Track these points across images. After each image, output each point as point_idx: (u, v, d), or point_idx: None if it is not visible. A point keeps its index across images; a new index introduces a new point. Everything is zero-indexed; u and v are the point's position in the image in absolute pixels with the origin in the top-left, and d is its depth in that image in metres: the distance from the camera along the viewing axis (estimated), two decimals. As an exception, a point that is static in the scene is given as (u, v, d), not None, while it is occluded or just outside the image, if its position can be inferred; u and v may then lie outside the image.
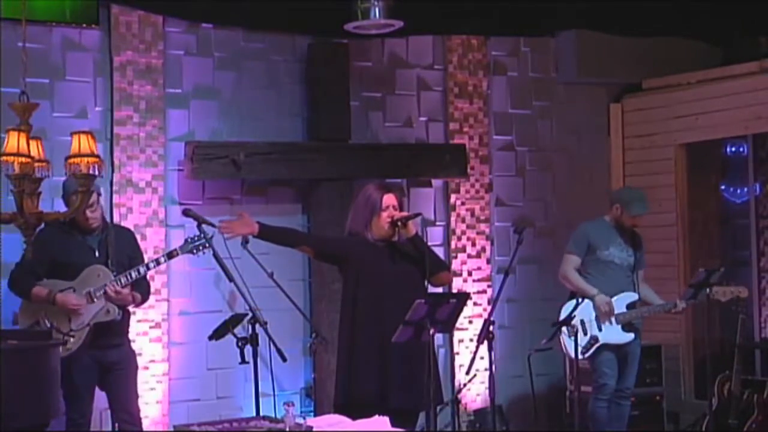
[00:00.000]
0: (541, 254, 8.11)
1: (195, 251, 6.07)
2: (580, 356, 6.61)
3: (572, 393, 7.14)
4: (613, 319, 6.82)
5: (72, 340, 5.75)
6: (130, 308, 6.20)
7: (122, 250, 6.01)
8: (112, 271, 5.88)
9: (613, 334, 6.80)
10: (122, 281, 5.86)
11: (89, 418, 6.02)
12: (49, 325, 5.66)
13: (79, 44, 6.80)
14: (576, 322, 6.68)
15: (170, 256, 6.11)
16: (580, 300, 6.68)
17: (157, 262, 6.06)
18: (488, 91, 8.14)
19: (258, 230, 5.56)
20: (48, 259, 5.76)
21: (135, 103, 6.89)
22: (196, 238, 6.06)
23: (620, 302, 6.86)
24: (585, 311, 6.79)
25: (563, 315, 6.68)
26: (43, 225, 4.75)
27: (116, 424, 6.09)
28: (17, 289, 5.94)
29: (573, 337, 6.49)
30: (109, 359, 5.96)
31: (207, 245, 6.02)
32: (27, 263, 5.69)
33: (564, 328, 6.65)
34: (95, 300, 5.83)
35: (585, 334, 6.78)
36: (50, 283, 5.85)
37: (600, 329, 6.80)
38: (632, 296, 6.93)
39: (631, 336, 6.86)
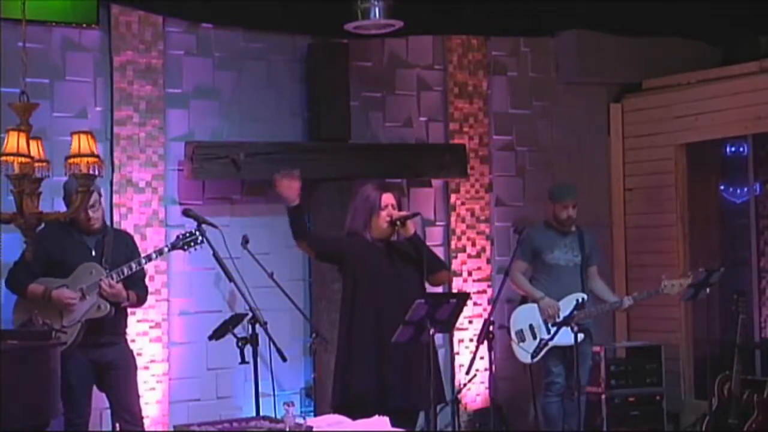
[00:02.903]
0: (541, 254, 8.11)
1: (186, 247, 6.07)
2: (531, 361, 6.74)
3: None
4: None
5: (64, 336, 5.74)
6: (130, 308, 6.20)
7: (121, 253, 6.00)
8: (105, 269, 5.87)
9: (562, 335, 6.63)
10: (114, 277, 5.86)
11: (87, 418, 6.01)
12: (41, 322, 5.66)
13: (79, 44, 6.80)
14: (525, 327, 6.82)
15: (161, 252, 6.12)
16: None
17: (149, 258, 6.05)
18: (488, 91, 8.14)
19: (295, 206, 5.55)
20: (44, 257, 5.76)
21: (135, 103, 6.89)
22: (187, 235, 6.07)
23: (568, 303, 6.82)
24: (533, 315, 6.96)
25: (513, 321, 7.00)
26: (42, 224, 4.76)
27: (117, 425, 6.09)
28: (14, 287, 5.95)
29: (522, 343, 6.75)
30: (105, 358, 5.95)
31: (199, 242, 6.03)
32: (24, 261, 5.70)
33: (513, 335, 6.93)
34: (87, 297, 5.83)
35: (534, 338, 6.89)
36: (45, 281, 5.85)
37: (549, 332, 6.81)
38: (580, 296, 6.93)
39: (580, 336, 6.86)
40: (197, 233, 6.04)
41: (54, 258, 5.85)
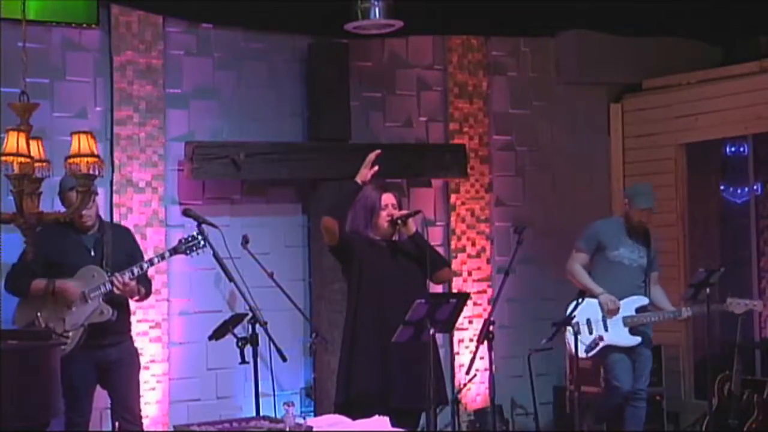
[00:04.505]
0: (541, 254, 8.10)
1: (188, 252, 6.05)
2: (583, 354, 6.59)
3: (572, 393, 7.13)
4: (620, 321, 6.73)
5: (66, 340, 5.73)
6: (131, 306, 6.19)
7: (120, 249, 5.98)
8: (106, 271, 5.86)
9: (620, 336, 6.68)
10: (120, 278, 5.84)
11: (88, 418, 6.00)
12: (43, 325, 5.64)
13: (79, 44, 6.80)
14: (581, 320, 6.63)
15: (162, 257, 6.10)
16: (580, 300, 6.67)
17: (151, 263, 6.04)
18: (488, 91, 8.15)
19: (359, 184, 5.57)
20: (43, 258, 5.70)
21: (135, 103, 6.89)
22: (189, 239, 6.05)
23: (630, 305, 6.76)
24: (592, 310, 6.72)
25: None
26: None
27: (116, 423, 6.08)
28: (14, 288, 5.93)
29: (577, 336, 6.47)
30: (109, 358, 5.94)
31: (201, 246, 6.01)
32: (23, 262, 5.67)
33: (570, 327, 6.65)
34: (89, 300, 5.81)
35: (590, 333, 6.70)
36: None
37: (606, 329, 6.72)
38: (642, 300, 6.83)
39: (638, 339, 6.76)
40: (199, 238, 6.02)
41: (52, 259, 5.81)
